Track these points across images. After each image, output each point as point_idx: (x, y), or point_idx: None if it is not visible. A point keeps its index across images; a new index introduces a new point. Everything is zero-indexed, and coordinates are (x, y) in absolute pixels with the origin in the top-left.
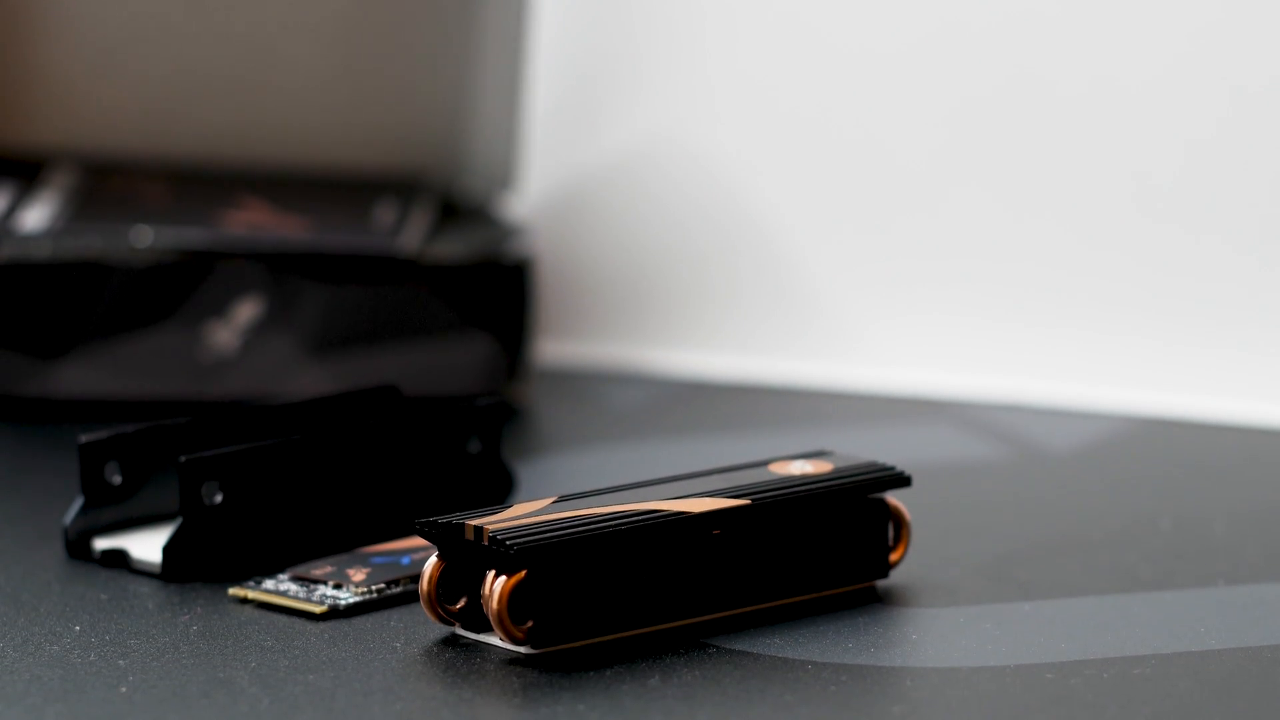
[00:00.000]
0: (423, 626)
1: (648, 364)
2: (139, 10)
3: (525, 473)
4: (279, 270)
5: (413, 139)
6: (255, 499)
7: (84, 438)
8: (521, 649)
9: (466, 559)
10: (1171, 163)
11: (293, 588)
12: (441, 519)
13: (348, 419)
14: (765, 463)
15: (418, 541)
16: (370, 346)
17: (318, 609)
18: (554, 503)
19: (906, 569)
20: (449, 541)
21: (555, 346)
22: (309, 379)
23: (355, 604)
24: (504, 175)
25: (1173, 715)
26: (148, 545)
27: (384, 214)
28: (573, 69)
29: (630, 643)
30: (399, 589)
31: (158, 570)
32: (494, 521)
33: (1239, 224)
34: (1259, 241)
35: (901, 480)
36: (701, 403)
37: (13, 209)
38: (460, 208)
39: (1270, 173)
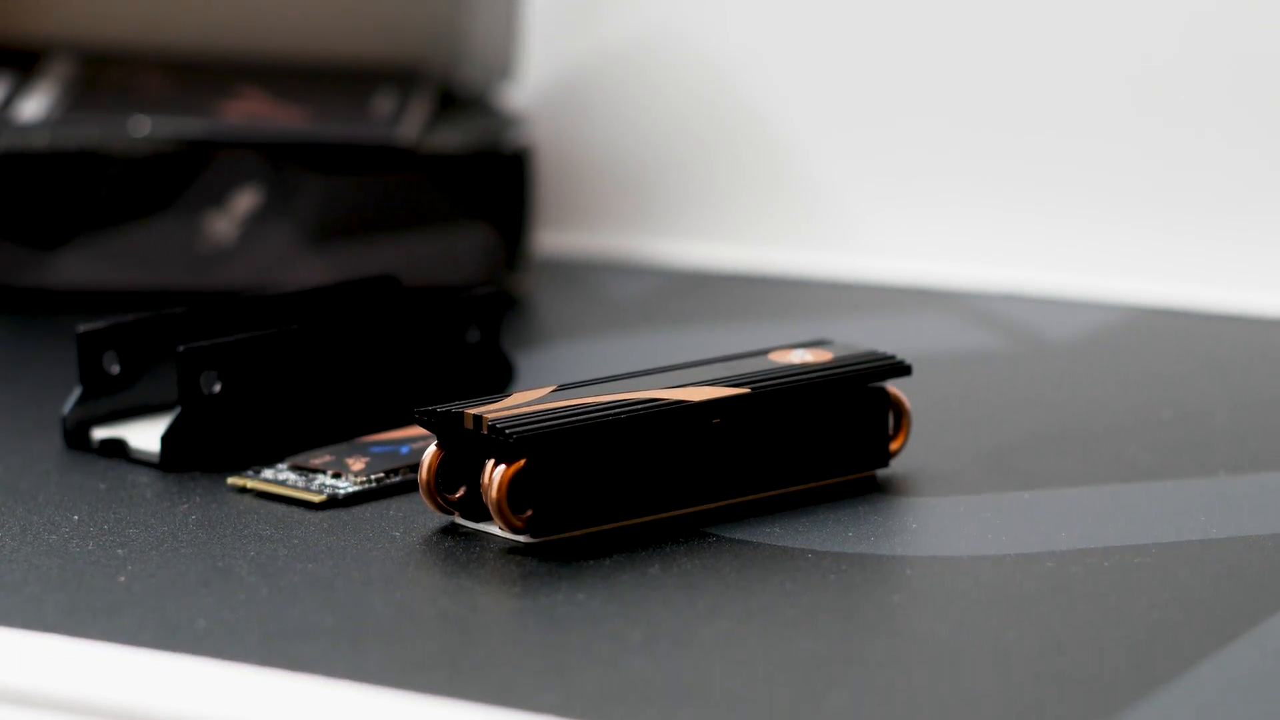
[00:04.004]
0: (422, 516)
1: (647, 254)
2: None
3: (524, 362)
4: (277, 160)
5: (412, 28)
6: (253, 388)
7: (82, 327)
8: (521, 538)
9: (466, 448)
10: (1169, 53)
11: (291, 477)
12: (440, 408)
13: (346, 309)
14: (765, 352)
15: (417, 431)
16: (369, 236)
17: (316, 498)
18: (553, 392)
19: (906, 458)
20: (448, 430)
21: (554, 236)
22: (307, 269)
23: (354, 493)
24: (503, 64)
25: (1172, 604)
26: (146, 435)
27: (383, 104)
28: None
29: (630, 531)
30: (398, 478)
31: (156, 460)
32: (493, 410)
33: (1239, 114)
34: (1259, 131)
35: (901, 369)
36: (701, 293)
37: (10, 99)
38: (459, 97)
39: (1270, 61)
